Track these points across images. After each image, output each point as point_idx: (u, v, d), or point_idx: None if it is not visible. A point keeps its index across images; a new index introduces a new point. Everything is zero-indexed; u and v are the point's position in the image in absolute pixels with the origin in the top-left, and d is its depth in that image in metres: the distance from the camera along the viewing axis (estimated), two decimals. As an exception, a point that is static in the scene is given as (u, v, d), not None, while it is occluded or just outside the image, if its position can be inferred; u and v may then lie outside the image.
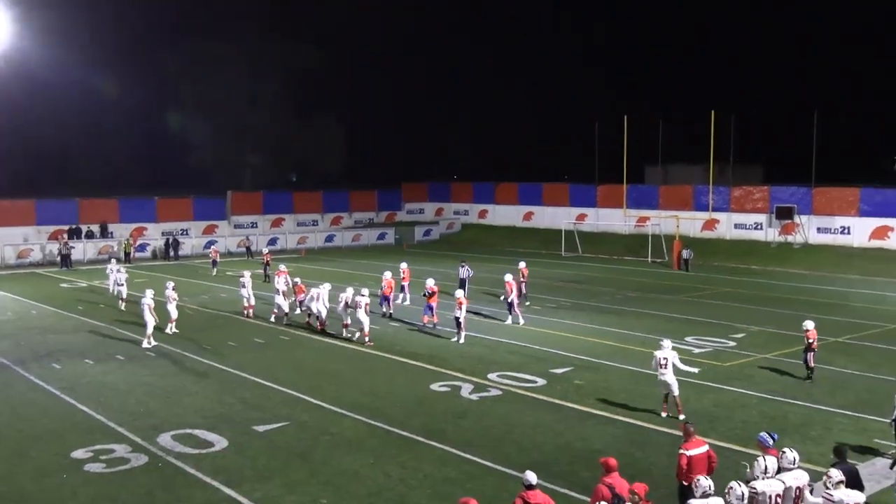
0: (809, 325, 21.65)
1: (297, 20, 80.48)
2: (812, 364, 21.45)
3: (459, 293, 26.93)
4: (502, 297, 29.48)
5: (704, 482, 10.37)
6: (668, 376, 17.66)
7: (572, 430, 17.43)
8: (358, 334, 26.09)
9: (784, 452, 11.47)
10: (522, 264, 33.59)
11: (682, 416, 17.58)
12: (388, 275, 31.46)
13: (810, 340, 21.38)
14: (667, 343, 18.23)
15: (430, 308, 27.90)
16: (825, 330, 28.16)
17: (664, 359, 17.74)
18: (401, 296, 33.50)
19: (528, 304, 32.61)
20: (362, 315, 25.60)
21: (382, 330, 27.59)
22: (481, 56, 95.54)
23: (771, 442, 12.14)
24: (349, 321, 26.73)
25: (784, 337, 26.76)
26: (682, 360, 18.36)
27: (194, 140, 73.61)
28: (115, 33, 76.94)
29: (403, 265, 34.59)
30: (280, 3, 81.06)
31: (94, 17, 73.15)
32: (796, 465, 11.37)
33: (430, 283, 28.62)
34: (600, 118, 61.52)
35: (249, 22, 74.25)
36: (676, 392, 17.86)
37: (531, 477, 10.89)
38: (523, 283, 32.80)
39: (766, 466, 10.97)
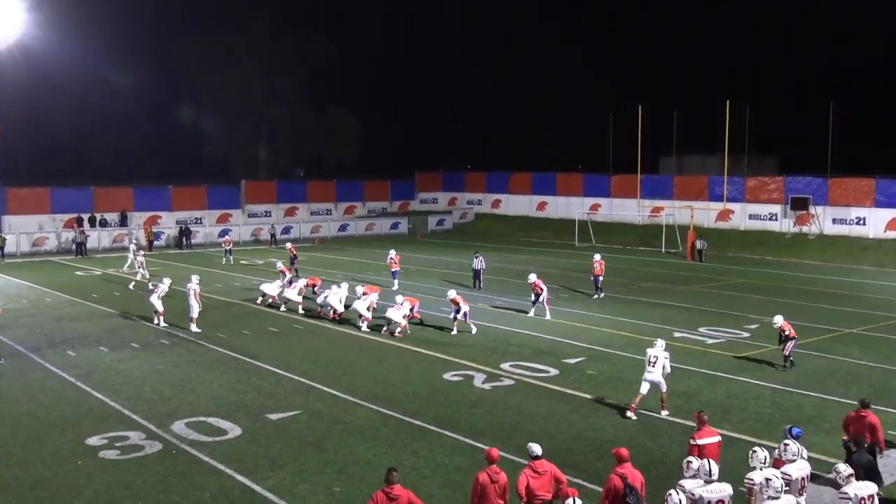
0: (779, 319, 21.81)
1: (312, 12, 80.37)
2: (787, 352, 21.45)
3: (452, 293, 26.42)
4: (533, 299, 28.99)
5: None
6: (656, 375, 17.40)
7: (585, 420, 17.43)
8: (390, 329, 25.95)
9: (787, 444, 11.49)
10: (598, 257, 33.21)
11: (664, 413, 17.56)
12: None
13: (786, 332, 21.40)
14: (660, 343, 17.88)
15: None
16: (840, 321, 28.17)
17: (654, 357, 17.46)
18: (396, 283, 33.78)
19: (602, 295, 32.50)
20: (395, 314, 25.53)
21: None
22: (495, 45, 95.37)
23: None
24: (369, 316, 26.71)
25: (798, 328, 26.52)
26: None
27: (209, 130, 73.78)
28: (130, 22, 77.02)
29: (392, 252, 34.72)
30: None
31: (109, 5, 73.29)
32: (799, 457, 11.40)
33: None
34: (615, 108, 61.35)
35: (265, 13, 74.27)
36: (664, 389, 17.57)
37: (536, 448, 11.46)
38: (600, 277, 32.63)
39: (764, 457, 10.97)
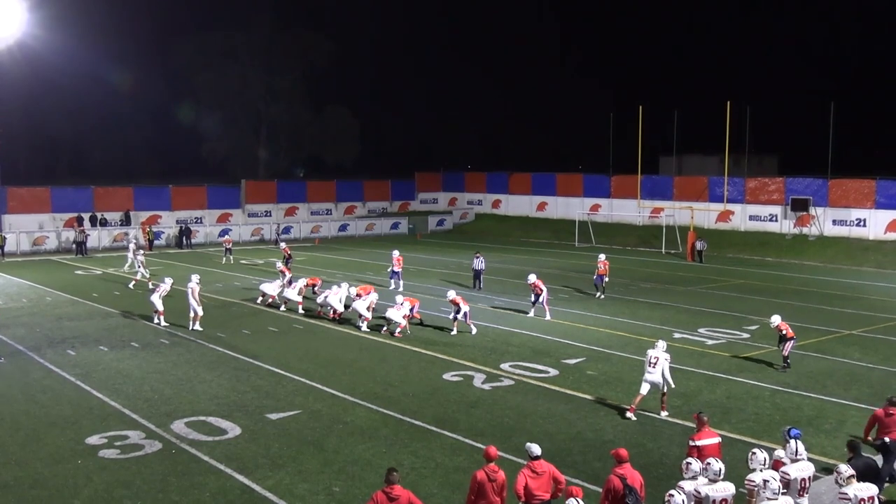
0: (776, 319, 21.95)
1: (312, 11, 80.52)
2: (786, 353, 21.55)
3: (451, 293, 26.40)
4: (532, 299, 28.85)
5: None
6: (656, 376, 17.38)
7: (584, 421, 17.43)
8: (390, 329, 25.95)
9: (787, 445, 11.48)
10: (602, 257, 33.20)
11: (664, 414, 17.56)
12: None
13: (783, 332, 21.56)
14: (661, 344, 17.89)
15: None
16: (840, 322, 28.16)
17: (655, 357, 17.44)
18: (393, 283, 33.99)
19: (603, 296, 32.40)
20: (394, 314, 25.50)
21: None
22: (495, 45, 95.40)
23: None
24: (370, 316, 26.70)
25: (797, 329, 26.55)
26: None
27: (209, 130, 73.79)
28: (130, 22, 77.12)
29: (395, 253, 34.86)
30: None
31: (109, 5, 73.35)
32: (799, 457, 11.37)
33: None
34: (615, 108, 61.40)
35: (264, 12, 74.30)
36: (665, 390, 17.58)
37: (535, 448, 11.42)
38: (604, 277, 32.59)
39: (763, 459, 10.96)
